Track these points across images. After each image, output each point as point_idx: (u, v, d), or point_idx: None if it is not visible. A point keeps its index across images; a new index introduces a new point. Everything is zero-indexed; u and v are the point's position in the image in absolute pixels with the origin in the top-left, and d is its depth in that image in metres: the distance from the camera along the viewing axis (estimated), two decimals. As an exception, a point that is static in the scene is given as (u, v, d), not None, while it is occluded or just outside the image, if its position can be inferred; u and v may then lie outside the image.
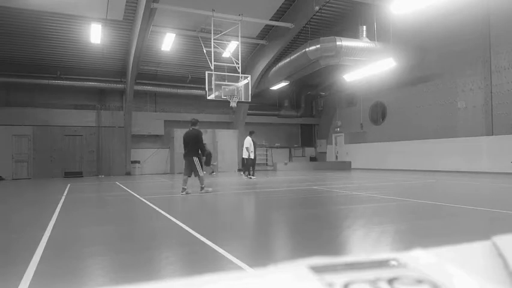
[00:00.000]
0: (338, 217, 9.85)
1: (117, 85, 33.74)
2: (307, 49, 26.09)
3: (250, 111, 38.70)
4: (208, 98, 24.08)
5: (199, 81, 32.69)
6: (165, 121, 36.31)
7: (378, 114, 36.11)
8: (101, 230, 8.55)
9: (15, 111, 31.27)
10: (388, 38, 27.14)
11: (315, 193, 15.38)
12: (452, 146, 28.21)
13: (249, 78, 25.30)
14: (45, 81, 31.49)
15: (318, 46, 25.44)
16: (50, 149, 32.22)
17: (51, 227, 8.76)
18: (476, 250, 0.73)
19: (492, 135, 25.88)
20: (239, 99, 24.93)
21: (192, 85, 35.59)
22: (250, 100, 25.78)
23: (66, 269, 5.57)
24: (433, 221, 8.69)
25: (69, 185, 22.74)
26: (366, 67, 27.74)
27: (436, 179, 21.50)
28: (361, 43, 25.83)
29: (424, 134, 30.57)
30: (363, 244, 6.73)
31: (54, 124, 32.37)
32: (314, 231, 7.82)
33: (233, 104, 24.84)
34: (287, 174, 29.38)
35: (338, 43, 24.98)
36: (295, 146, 43.82)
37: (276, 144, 42.59)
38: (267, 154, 41.81)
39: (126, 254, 6.30)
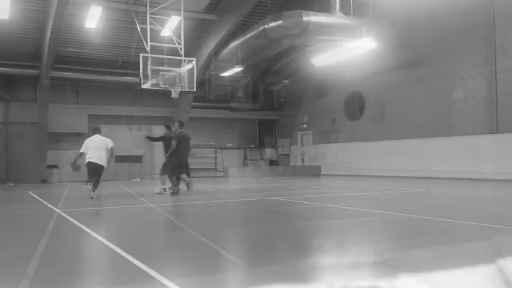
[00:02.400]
0: (305, 235, 9.75)
1: (30, 71, 33.18)
2: (266, 26, 25.94)
3: (196, 104, 38.62)
4: (143, 86, 23.90)
5: (132, 66, 32.30)
6: (89, 115, 35.90)
7: (355, 107, 36.27)
8: (9, 252, 8.28)
9: None
10: (368, 11, 26.74)
11: (276, 205, 15.32)
12: (447, 146, 28.36)
13: (193, 63, 25.18)
14: None
15: (280, 22, 25.33)
16: None
17: None
18: (477, 276, 0.59)
19: (497, 133, 26.06)
20: (182, 88, 24.79)
21: (123, 71, 35.19)
22: (195, 89, 25.64)
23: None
24: (423, 240, 8.63)
25: (-35, 196, 22.39)
26: (339, 49, 27.63)
27: (427, 187, 21.68)
28: (334, 18, 25.78)
29: (412, 132, 30.78)
30: (336, 269, 6.62)
31: None
32: (274, 253, 7.68)
33: (174, 95, 24.70)
34: (241, 182, 29.38)
35: (305, 18, 24.86)
36: (252, 146, 43.85)
37: (228, 145, 42.55)
38: (216, 157, 41.73)
39: (41, 281, 6.06)
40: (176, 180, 19.22)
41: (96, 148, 19.72)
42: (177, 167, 19.26)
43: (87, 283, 6.15)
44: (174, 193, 18.67)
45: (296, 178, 32.75)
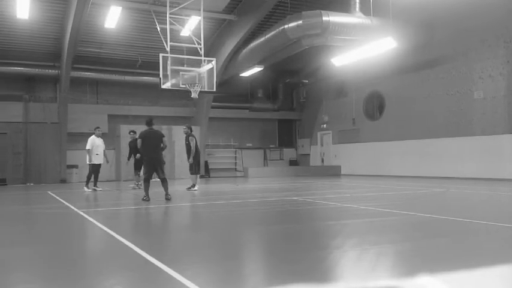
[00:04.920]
0: (325, 235, 9.82)
1: (50, 71, 33.35)
2: (286, 26, 25.97)
3: (215, 104, 38.52)
4: (163, 86, 23.91)
5: (151, 66, 32.17)
6: (109, 115, 36.01)
7: (374, 107, 36.19)
8: (29, 251, 8.37)
9: None
10: (388, 12, 26.67)
11: (296, 205, 15.37)
12: (467, 146, 28.28)
13: (213, 63, 25.16)
14: (-42, 66, 31.09)
15: (300, 22, 25.35)
16: (-35, 151, 31.81)
17: (-37, 249, 8.62)
18: (498, 276, 0.68)
19: (517, 132, 26.00)
20: (201, 88, 24.80)
21: (142, 71, 35.35)
22: (215, 89, 25.63)
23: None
24: (443, 240, 8.69)
25: (-12, 195, 22.53)
26: (359, 48, 27.60)
27: (446, 187, 21.62)
28: (354, 18, 25.76)
29: (431, 132, 30.70)
30: (356, 269, 6.68)
31: (-30, 119, 31.89)
32: (295, 252, 7.74)
33: (194, 95, 24.70)
34: (261, 182, 29.35)
35: (324, 18, 24.87)
36: (271, 146, 43.83)
37: (248, 145, 42.50)
38: (235, 157, 41.70)
39: (60, 281, 6.19)
40: (148, 186, 17.73)
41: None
42: (146, 168, 18.08)
43: (106, 283, 6.25)
44: (144, 200, 17.29)
45: (316, 178, 32.64)
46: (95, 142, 24.13)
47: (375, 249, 7.81)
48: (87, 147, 23.99)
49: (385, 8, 26.15)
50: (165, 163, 18.43)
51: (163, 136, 18.23)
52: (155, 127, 18.54)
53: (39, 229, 11.63)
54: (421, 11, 28.49)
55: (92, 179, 24.20)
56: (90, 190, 23.44)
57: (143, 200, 17.23)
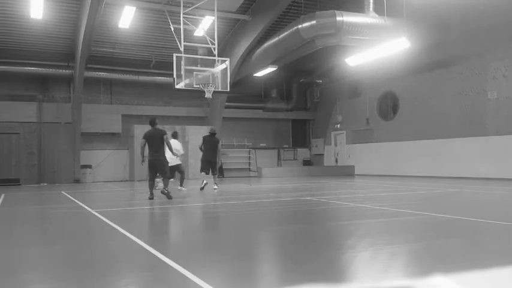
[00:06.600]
0: (339, 235, 9.84)
1: (64, 71, 33.41)
2: (300, 26, 25.98)
3: (229, 104, 38.54)
4: (177, 86, 23.92)
5: (165, 66, 32.21)
6: (122, 115, 36.04)
7: (388, 107, 36.10)
8: (44, 252, 8.47)
9: None
10: (401, 12, 26.57)
11: (309, 205, 15.41)
12: (481, 146, 28.19)
13: (227, 63, 25.15)
14: (-28, 66, 31.16)
15: (314, 22, 25.33)
16: (-22, 151, 31.90)
17: (-21, 249, 8.68)
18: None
19: (532, 132, 25.85)
20: (215, 88, 24.79)
21: (156, 71, 35.34)
22: (228, 89, 25.63)
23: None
24: (457, 241, 8.71)
25: (3, 195, 22.51)
26: (373, 48, 27.57)
27: (460, 187, 21.55)
28: (367, 18, 25.69)
29: (445, 132, 30.62)
30: (370, 269, 6.72)
31: (-16, 119, 32.05)
32: (309, 252, 7.79)
33: (208, 95, 24.70)
34: (275, 182, 29.35)
35: (338, 18, 24.81)
36: (285, 146, 43.80)
37: (261, 145, 42.46)
38: (249, 157, 41.67)
39: (74, 282, 6.23)
40: (152, 185, 18.16)
41: None
42: (149, 170, 18.41)
43: (120, 283, 6.30)
44: (150, 199, 17.69)
45: (330, 178, 32.61)
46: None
47: (389, 249, 7.83)
48: (182, 151, 23.92)
49: (399, 8, 26.10)
50: (166, 164, 18.39)
51: (165, 134, 18.30)
52: (160, 127, 18.71)
53: (53, 229, 11.71)
54: (435, 10, 28.27)
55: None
56: (185, 189, 23.49)
57: (149, 198, 17.57)
